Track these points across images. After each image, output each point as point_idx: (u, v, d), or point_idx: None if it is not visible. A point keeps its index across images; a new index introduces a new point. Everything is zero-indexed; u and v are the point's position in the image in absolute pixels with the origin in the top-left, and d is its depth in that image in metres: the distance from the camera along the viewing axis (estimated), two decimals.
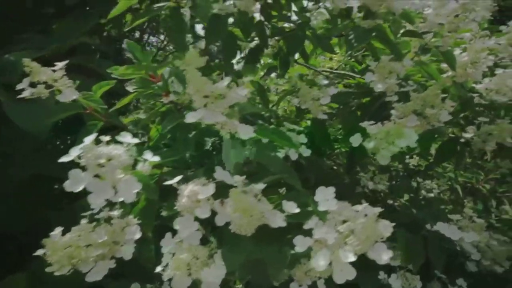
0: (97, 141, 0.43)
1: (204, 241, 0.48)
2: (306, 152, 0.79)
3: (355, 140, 0.79)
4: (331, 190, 0.51)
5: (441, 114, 0.76)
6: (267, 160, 0.62)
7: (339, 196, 0.99)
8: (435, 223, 0.76)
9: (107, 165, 0.41)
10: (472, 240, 0.71)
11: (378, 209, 0.48)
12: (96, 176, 0.41)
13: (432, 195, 1.08)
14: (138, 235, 0.46)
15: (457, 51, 1.01)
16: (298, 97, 0.84)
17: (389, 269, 0.71)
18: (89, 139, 0.42)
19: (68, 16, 1.31)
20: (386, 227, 0.45)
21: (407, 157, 1.11)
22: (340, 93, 0.90)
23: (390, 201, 1.03)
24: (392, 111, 0.80)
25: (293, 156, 0.76)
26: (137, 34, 2.13)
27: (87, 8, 1.41)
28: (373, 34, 0.84)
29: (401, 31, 0.96)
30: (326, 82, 0.86)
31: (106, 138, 0.44)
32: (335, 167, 1.05)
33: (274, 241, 0.51)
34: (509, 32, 1.06)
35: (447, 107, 0.76)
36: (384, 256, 0.42)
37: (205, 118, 0.50)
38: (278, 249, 0.48)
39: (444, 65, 0.95)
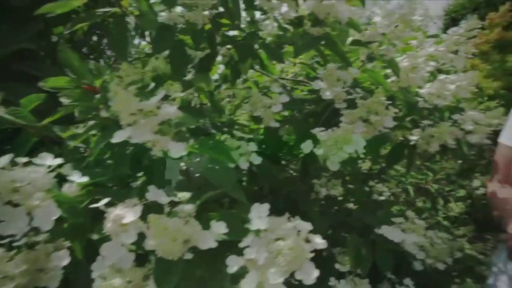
0: (14, 163, 0.40)
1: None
2: (257, 160, 0.78)
3: (306, 146, 0.80)
4: (266, 207, 0.50)
5: (385, 120, 0.79)
6: (209, 174, 0.61)
7: (294, 203, 1.00)
8: (380, 226, 0.79)
9: (22, 190, 0.37)
10: (413, 241, 0.74)
11: (309, 225, 0.49)
12: (9, 202, 0.38)
13: (383, 198, 1.12)
14: (66, 261, 0.42)
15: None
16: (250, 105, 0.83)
17: (339, 275, 0.72)
18: (2, 162, 0.39)
19: (13, 19, 1.22)
20: (319, 244, 0.46)
21: (360, 161, 1.14)
22: (293, 101, 0.91)
23: (346, 206, 1.05)
24: (341, 118, 0.82)
25: (243, 165, 0.75)
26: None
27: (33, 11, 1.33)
28: (322, 42, 0.86)
29: (351, 39, 1.00)
30: (279, 89, 0.86)
31: (23, 159, 0.40)
32: (294, 174, 1.06)
33: (213, 260, 0.49)
34: (448, 39, 1.13)
35: (391, 113, 0.79)
36: (312, 276, 0.43)
37: (133, 136, 0.47)
38: (217, 268, 0.47)
39: (389, 71, 1.00)
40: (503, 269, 0.88)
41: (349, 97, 0.84)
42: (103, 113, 0.59)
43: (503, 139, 0.96)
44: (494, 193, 0.94)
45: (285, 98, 0.82)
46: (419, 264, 0.88)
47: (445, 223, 1.26)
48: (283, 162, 1.10)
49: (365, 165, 1.19)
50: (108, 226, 0.40)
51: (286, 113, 1.02)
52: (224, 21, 0.91)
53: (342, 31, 0.83)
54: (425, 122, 1.00)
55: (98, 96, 0.62)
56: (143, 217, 0.43)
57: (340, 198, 1.07)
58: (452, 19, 7.22)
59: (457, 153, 1.09)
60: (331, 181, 1.01)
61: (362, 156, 1.08)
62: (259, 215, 0.51)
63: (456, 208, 1.32)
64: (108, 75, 0.61)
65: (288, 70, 1.48)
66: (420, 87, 1.04)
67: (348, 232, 0.99)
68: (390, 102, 0.84)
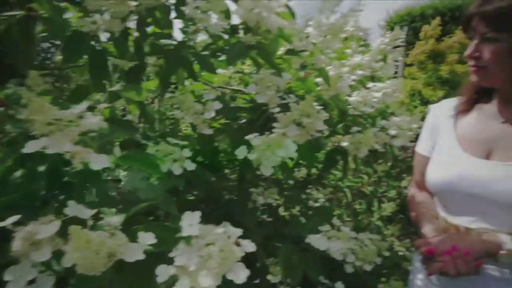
0: None
1: None
2: (190, 166, 0.76)
3: (240, 152, 0.80)
4: (197, 215, 0.50)
5: (317, 123, 0.81)
6: (137, 187, 0.58)
7: (230, 213, 0.99)
8: (308, 235, 0.81)
9: None
10: (338, 249, 0.76)
11: (239, 231, 0.49)
12: None
13: (318, 204, 1.15)
14: None
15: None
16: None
17: (272, 286, 0.71)
18: None
19: None
20: (248, 247, 0.46)
21: (296, 169, 1.17)
22: (229, 109, 0.90)
23: (284, 214, 1.06)
24: (275, 124, 0.84)
25: (177, 170, 0.73)
26: None
27: None
28: (255, 50, 0.88)
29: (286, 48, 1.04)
30: (211, 96, 0.85)
31: None
32: (231, 184, 1.05)
33: (142, 272, 0.47)
34: (373, 49, 1.23)
35: (322, 117, 0.82)
36: (242, 275, 0.43)
37: (49, 147, 0.44)
38: (147, 279, 0.45)
39: (321, 80, 1.05)
40: (420, 268, 0.93)
41: (283, 101, 0.86)
42: (10, 127, 0.53)
43: (417, 147, 1.01)
44: (413, 196, 1.00)
45: (217, 105, 0.81)
46: (350, 267, 0.91)
47: (378, 223, 1.34)
48: (225, 171, 1.08)
49: (302, 173, 1.22)
50: (17, 245, 0.35)
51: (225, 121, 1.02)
52: (156, 30, 0.89)
53: (273, 40, 0.85)
54: (354, 128, 1.06)
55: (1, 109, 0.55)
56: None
57: (277, 206, 1.09)
58: (392, 29, 7.98)
59: (385, 156, 1.17)
60: (268, 190, 1.01)
61: (297, 162, 1.12)
62: (190, 223, 0.50)
63: (389, 208, 1.41)
64: (12, 86, 0.55)
65: (231, 78, 1.49)
66: (349, 95, 1.11)
67: (282, 241, 1.00)
68: (322, 107, 0.88)
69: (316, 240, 0.87)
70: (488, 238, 0.77)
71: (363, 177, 1.37)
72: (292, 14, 0.90)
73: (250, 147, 0.80)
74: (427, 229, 0.90)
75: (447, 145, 0.91)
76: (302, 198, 1.15)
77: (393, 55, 1.48)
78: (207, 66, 0.85)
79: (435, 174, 0.89)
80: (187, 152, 0.76)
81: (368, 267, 0.94)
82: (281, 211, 1.10)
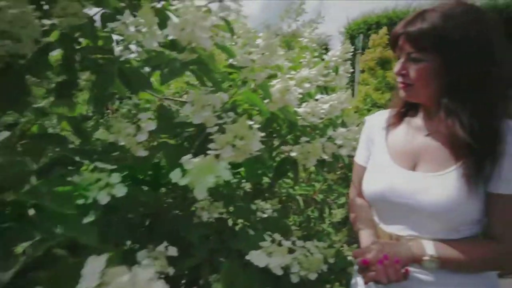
0: None
1: None
2: (121, 192, 0.73)
3: (175, 176, 0.78)
4: (102, 259, 0.46)
5: (252, 145, 0.80)
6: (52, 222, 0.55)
7: (175, 230, 0.97)
8: (248, 252, 0.81)
9: None
10: (277, 264, 0.77)
11: (150, 272, 0.47)
12: None
13: (266, 215, 1.16)
14: None
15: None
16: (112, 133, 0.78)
17: None
18: None
19: None
20: None
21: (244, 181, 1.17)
22: (169, 124, 0.88)
23: (232, 227, 1.06)
24: (210, 145, 0.82)
25: (104, 199, 0.70)
26: None
27: None
28: (194, 66, 0.85)
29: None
30: (145, 116, 0.81)
31: None
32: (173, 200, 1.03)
33: None
34: (321, 63, 1.24)
35: (257, 137, 0.81)
36: None
37: None
38: None
39: None
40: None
41: (220, 121, 0.84)
42: None
43: (355, 157, 1.08)
44: (353, 200, 1.08)
45: (150, 126, 0.78)
46: (295, 277, 0.93)
47: (329, 229, 1.37)
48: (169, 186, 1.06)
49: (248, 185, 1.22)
50: None
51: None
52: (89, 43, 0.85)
53: (210, 57, 0.83)
54: (303, 139, 1.07)
55: None
56: None
57: (226, 219, 1.08)
58: (350, 36, 8.34)
59: (333, 165, 1.19)
60: (213, 204, 1.00)
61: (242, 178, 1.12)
62: (93, 270, 0.48)
63: (339, 214, 1.44)
64: None
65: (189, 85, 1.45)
66: (298, 106, 1.11)
67: (228, 256, 1.00)
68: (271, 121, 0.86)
69: (256, 257, 0.88)
70: (414, 245, 0.83)
71: (315, 185, 1.40)
72: (231, 30, 0.88)
73: (183, 169, 0.78)
74: (364, 234, 0.98)
75: (379, 157, 0.96)
76: (251, 209, 1.16)
77: (345, 67, 1.51)
78: (141, 83, 0.82)
79: (368, 185, 0.94)
80: (116, 178, 0.73)
81: (312, 276, 0.96)
82: (230, 224, 1.10)
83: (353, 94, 4.58)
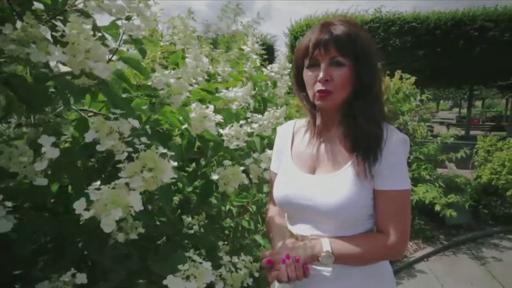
0: None
1: None
2: (6, 226, 0.68)
3: (79, 207, 0.74)
4: None
5: (163, 176, 0.78)
6: None
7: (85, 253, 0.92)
8: (166, 275, 0.80)
9: None
10: None
11: None
12: None
13: (192, 231, 1.15)
14: None
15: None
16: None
17: None
18: None
19: None
20: None
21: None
22: (66, 150, 0.82)
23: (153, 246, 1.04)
24: (121, 172, 0.79)
25: None
26: None
27: None
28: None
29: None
30: (48, 140, 0.76)
31: None
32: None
33: None
34: (247, 85, 1.25)
35: (168, 168, 0.79)
36: None
37: None
38: None
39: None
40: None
41: (129, 149, 0.81)
42: None
43: (271, 166, 1.14)
44: (267, 209, 1.16)
45: (55, 153, 0.72)
46: None
47: (262, 241, 1.41)
48: None
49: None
50: None
51: None
52: None
53: (115, 81, 0.80)
54: (225, 162, 1.07)
55: None
56: None
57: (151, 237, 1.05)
58: (294, 38, 8.99)
59: (260, 187, 1.21)
60: (133, 223, 0.97)
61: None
62: None
63: None
64: None
65: None
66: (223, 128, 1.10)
67: (147, 277, 0.98)
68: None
69: (172, 282, 0.86)
70: (314, 243, 0.90)
71: (248, 195, 1.41)
72: (142, 51, 0.85)
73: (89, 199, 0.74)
74: (275, 238, 1.05)
75: (285, 164, 1.05)
76: (178, 227, 1.14)
77: (284, 79, 1.54)
78: (42, 100, 0.76)
79: (276, 190, 1.03)
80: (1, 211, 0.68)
81: None
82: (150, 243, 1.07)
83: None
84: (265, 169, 1.14)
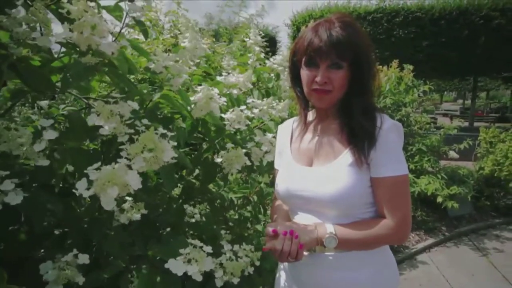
0: None
1: None
2: (15, 200, 0.69)
3: (81, 186, 0.75)
4: None
5: (163, 155, 0.78)
6: None
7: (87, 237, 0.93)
8: (167, 260, 0.81)
9: None
10: (195, 271, 0.78)
11: None
12: None
13: (194, 220, 1.15)
14: None
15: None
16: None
17: None
18: None
19: None
20: None
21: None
22: (72, 132, 0.83)
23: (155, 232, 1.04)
24: (123, 152, 0.79)
25: None
26: None
27: None
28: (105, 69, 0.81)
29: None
30: (47, 122, 0.76)
31: None
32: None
33: None
34: (248, 70, 1.24)
35: (168, 148, 0.79)
36: None
37: None
38: None
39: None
40: (281, 267, 1.10)
41: (131, 131, 0.81)
42: None
43: (274, 163, 1.16)
44: (273, 202, 1.20)
45: (52, 135, 0.73)
46: (220, 281, 0.95)
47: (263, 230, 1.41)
48: None
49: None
50: None
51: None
52: None
53: (121, 61, 0.80)
54: (228, 145, 1.07)
55: None
56: None
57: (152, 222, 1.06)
58: (297, 28, 8.95)
59: (261, 169, 1.21)
60: (135, 206, 0.98)
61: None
62: None
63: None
64: None
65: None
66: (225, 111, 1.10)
67: (149, 263, 0.99)
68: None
69: (173, 264, 0.87)
70: (319, 227, 0.92)
71: (248, 186, 1.41)
72: (145, 33, 0.84)
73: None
74: (279, 219, 1.08)
75: (286, 159, 1.08)
76: (183, 210, 1.15)
77: (286, 74, 1.52)
78: (42, 84, 0.76)
79: (278, 185, 1.06)
80: (8, 185, 0.68)
81: (235, 280, 0.98)
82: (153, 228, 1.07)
83: None
84: (266, 152, 1.14)
